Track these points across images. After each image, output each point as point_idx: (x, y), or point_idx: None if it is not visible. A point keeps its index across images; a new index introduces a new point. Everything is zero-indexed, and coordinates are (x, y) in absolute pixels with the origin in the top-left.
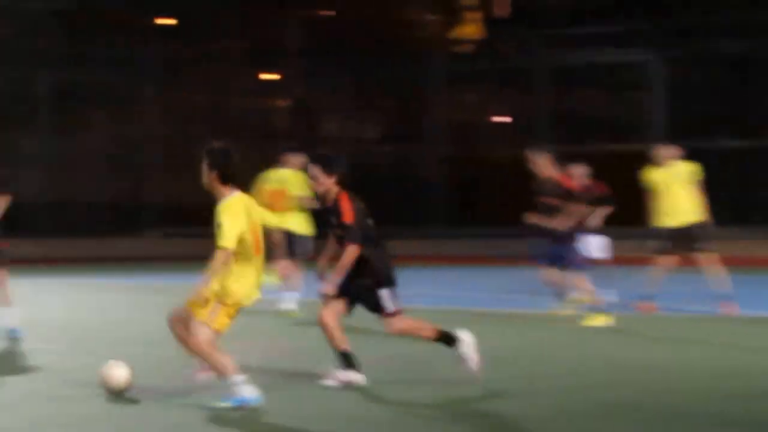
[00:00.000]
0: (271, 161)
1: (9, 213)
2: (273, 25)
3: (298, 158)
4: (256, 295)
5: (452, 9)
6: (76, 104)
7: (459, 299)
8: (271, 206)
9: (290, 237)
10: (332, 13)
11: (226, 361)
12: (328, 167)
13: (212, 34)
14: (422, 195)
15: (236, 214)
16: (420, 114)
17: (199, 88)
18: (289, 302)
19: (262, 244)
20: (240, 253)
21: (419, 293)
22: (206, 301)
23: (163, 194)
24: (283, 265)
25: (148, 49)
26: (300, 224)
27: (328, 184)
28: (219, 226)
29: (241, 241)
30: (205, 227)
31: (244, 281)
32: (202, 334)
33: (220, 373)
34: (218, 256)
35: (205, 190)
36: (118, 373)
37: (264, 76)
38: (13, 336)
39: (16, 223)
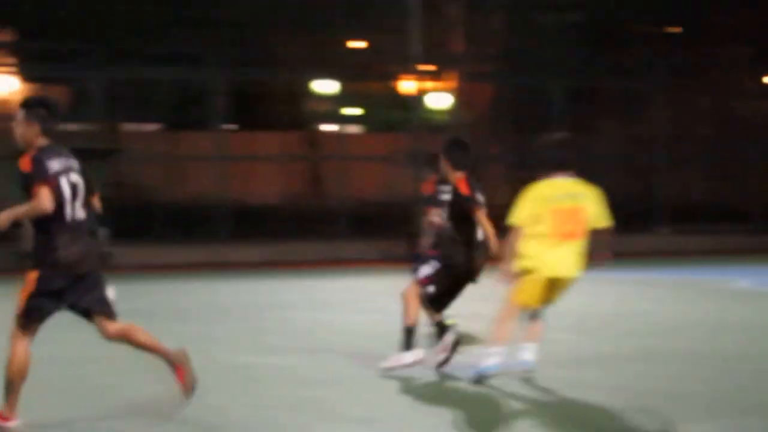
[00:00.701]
0: None
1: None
2: None
3: None
4: (562, 272)
5: None
6: (586, 110)
7: None
8: None
9: None
10: None
11: (504, 332)
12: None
13: (717, 40)
14: None
15: (529, 197)
16: None
17: (704, 92)
18: None
19: (572, 228)
20: (537, 232)
21: None
22: (513, 277)
23: (671, 192)
24: None
25: (655, 56)
26: None
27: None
28: None
29: (534, 220)
30: (713, 223)
31: (542, 257)
32: (504, 310)
33: (491, 341)
34: (510, 233)
35: (712, 187)
36: None
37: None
38: None
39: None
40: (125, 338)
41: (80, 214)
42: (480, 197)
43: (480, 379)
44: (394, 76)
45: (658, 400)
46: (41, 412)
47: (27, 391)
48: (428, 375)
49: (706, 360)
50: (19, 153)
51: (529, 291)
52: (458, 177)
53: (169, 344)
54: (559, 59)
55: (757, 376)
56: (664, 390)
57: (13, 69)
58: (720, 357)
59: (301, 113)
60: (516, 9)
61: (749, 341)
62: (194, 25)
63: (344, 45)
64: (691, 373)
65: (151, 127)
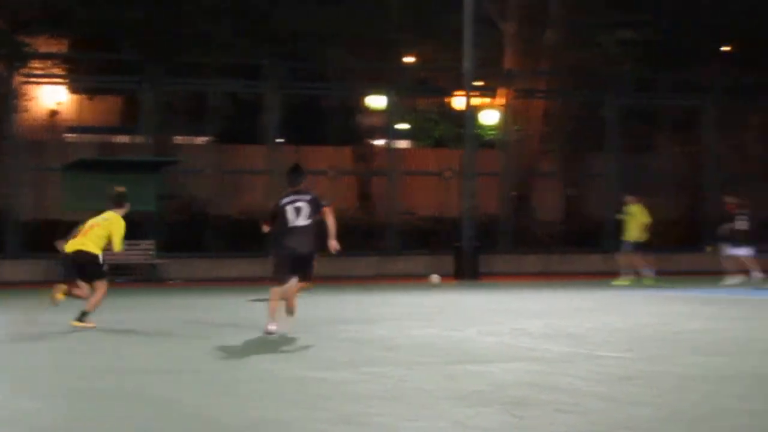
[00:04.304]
0: None
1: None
2: None
3: None
4: None
5: None
6: (640, 127)
7: None
8: None
9: None
10: None
11: None
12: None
13: None
14: None
15: None
16: None
17: (758, 111)
18: None
19: None
20: None
21: None
22: None
23: (720, 211)
24: None
25: (712, 75)
26: None
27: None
28: None
29: None
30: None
31: None
32: None
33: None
34: None
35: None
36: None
37: None
38: None
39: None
40: None
41: None
42: None
43: None
44: (447, 92)
45: (712, 419)
46: (98, 421)
47: (86, 400)
48: (485, 388)
49: (762, 378)
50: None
51: None
52: None
53: (229, 355)
54: (614, 76)
55: None
56: (718, 409)
57: (65, 80)
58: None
59: (353, 128)
60: (571, 26)
61: None
62: (249, 39)
63: (398, 60)
64: (744, 393)
65: (203, 139)
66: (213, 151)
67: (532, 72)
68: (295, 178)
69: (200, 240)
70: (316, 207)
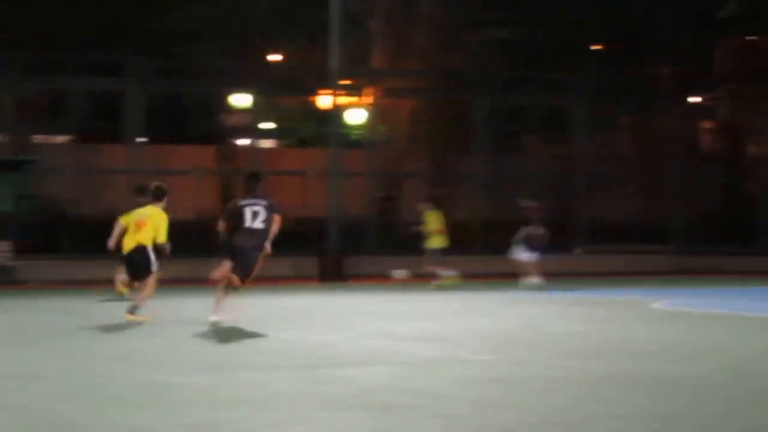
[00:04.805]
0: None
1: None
2: (699, 51)
3: None
4: None
5: None
6: (510, 127)
7: None
8: None
9: None
10: (759, 38)
11: None
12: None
13: (642, 59)
14: None
15: None
16: None
17: (627, 111)
18: None
19: None
20: None
21: None
22: None
23: (590, 212)
24: None
25: (580, 74)
26: None
27: None
28: None
29: None
30: (633, 243)
31: None
32: None
33: None
34: None
35: (633, 206)
36: None
37: (690, 99)
38: None
39: (452, 240)
40: None
41: None
42: None
43: None
44: (312, 91)
45: (574, 422)
46: None
47: None
48: (350, 393)
49: (633, 382)
50: None
51: None
52: None
53: (84, 359)
54: (482, 76)
55: (694, 401)
56: (588, 414)
57: None
58: (652, 379)
59: (217, 127)
60: (440, 25)
61: (671, 363)
62: (109, 36)
63: (263, 58)
64: (614, 397)
65: (62, 138)
66: (73, 151)
67: (401, 71)
68: (252, 184)
69: (59, 241)
70: (270, 212)
